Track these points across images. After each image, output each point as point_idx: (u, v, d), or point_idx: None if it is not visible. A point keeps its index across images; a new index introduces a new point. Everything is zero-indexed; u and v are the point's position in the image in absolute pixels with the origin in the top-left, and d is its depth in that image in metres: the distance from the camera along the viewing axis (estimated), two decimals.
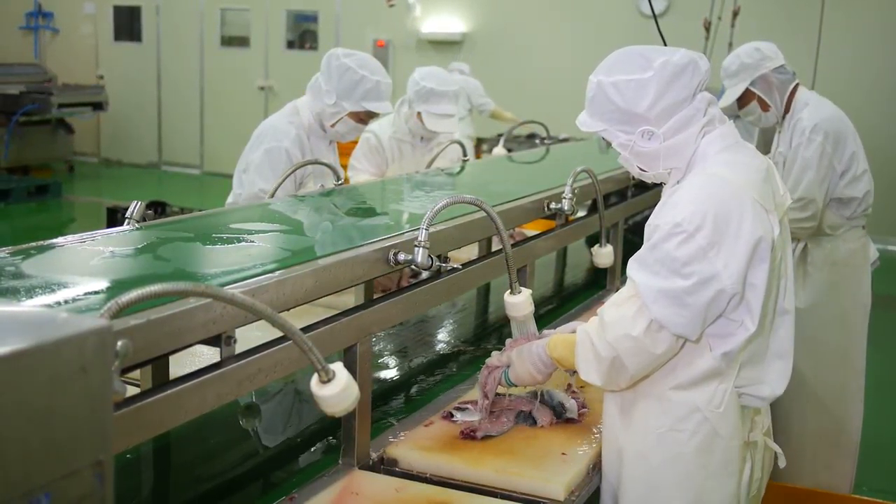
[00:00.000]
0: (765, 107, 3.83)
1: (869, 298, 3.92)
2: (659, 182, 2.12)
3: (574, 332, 2.14)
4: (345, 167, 3.38)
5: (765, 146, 4.33)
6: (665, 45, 2.16)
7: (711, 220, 1.87)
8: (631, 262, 1.99)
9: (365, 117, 3.43)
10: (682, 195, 1.95)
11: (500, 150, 5.10)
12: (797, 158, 3.75)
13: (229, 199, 3.46)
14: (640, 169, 2.07)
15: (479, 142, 8.60)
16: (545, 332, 2.36)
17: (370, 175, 4.17)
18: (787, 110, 3.84)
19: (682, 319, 1.89)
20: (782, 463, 2.24)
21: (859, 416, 3.97)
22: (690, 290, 1.87)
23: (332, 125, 3.38)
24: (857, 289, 3.88)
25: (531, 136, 8.20)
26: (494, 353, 2.34)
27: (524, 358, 2.23)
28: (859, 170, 3.77)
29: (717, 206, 1.89)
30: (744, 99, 3.85)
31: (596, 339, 2.00)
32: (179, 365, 1.89)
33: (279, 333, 1.52)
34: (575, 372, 2.15)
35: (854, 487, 4.08)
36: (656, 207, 2.05)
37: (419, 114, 4.14)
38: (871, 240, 3.97)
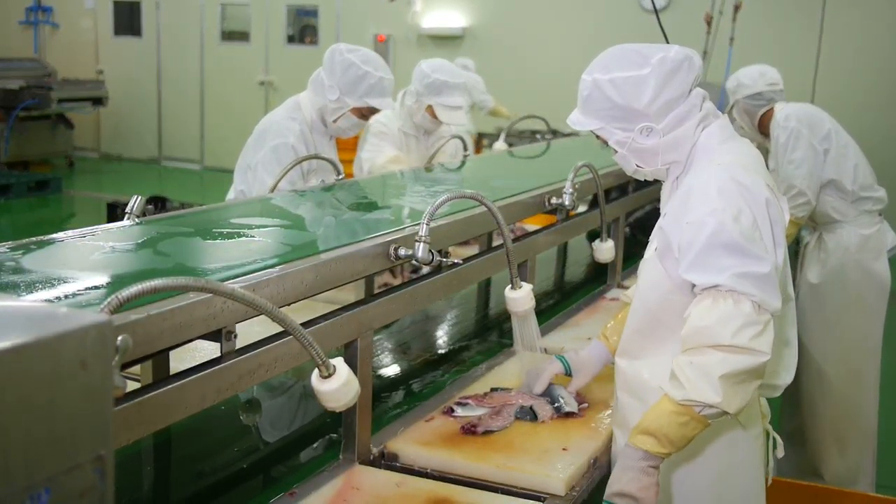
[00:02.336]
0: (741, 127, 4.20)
1: (887, 283, 4.02)
2: (654, 179, 2.11)
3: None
4: (343, 162, 3.38)
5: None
6: (667, 40, 2.16)
7: (744, 204, 1.85)
8: (688, 273, 1.86)
9: (367, 113, 3.43)
10: (706, 188, 1.90)
11: (500, 144, 5.10)
12: (777, 147, 3.99)
13: (230, 195, 3.46)
14: (637, 166, 2.05)
15: (480, 137, 8.58)
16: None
17: (393, 154, 4.11)
18: (765, 129, 4.15)
19: (774, 300, 1.81)
20: (780, 453, 2.24)
21: (875, 402, 4.08)
22: (762, 265, 1.80)
23: (335, 121, 3.38)
24: (872, 273, 3.98)
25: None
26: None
27: (625, 470, 1.86)
28: (840, 148, 3.93)
29: (742, 191, 1.87)
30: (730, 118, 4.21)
31: (701, 357, 1.78)
32: (180, 360, 1.89)
33: (280, 328, 1.52)
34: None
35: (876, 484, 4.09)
36: (668, 207, 2.01)
37: (429, 106, 4.11)
38: (889, 227, 4.09)
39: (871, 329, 4.01)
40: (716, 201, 1.86)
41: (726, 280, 1.80)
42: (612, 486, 1.84)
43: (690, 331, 1.81)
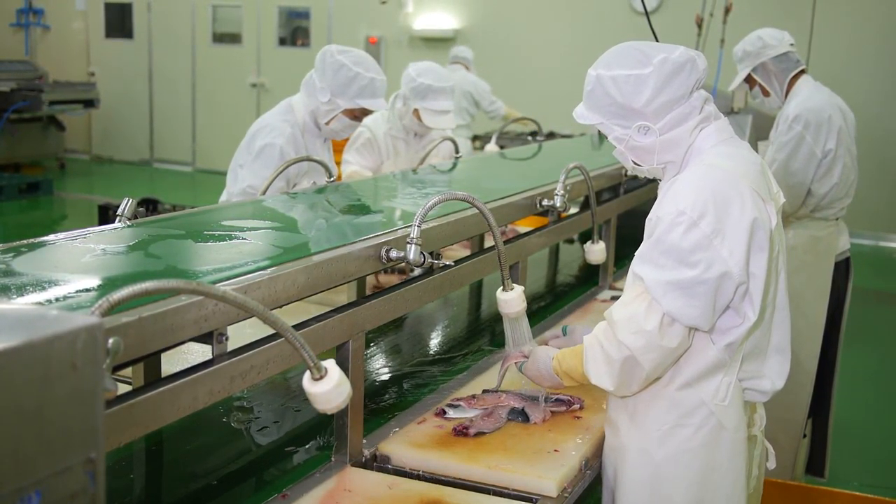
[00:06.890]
0: (765, 92, 4.04)
1: (828, 288, 3.97)
2: (652, 177, 2.13)
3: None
4: (337, 164, 3.38)
5: (756, 143, 4.39)
6: (657, 41, 2.17)
7: (713, 207, 1.89)
8: (635, 259, 2.00)
9: (360, 114, 3.42)
10: (681, 186, 1.97)
11: (492, 146, 5.10)
12: (775, 142, 3.93)
13: (223, 197, 3.45)
14: (635, 163, 2.09)
15: (475, 138, 8.56)
16: (551, 337, 2.38)
17: (361, 168, 4.15)
18: (787, 97, 4.00)
19: (693, 310, 1.89)
20: (772, 464, 2.25)
21: (804, 409, 4.01)
22: (698, 278, 1.88)
23: (327, 122, 3.38)
24: (816, 276, 3.94)
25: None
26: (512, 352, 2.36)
27: (535, 364, 2.25)
28: (831, 165, 3.86)
29: (717, 194, 1.91)
30: (750, 83, 4.11)
31: (605, 341, 1.98)
32: (171, 363, 1.89)
33: (271, 330, 1.52)
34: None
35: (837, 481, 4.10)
36: (656, 202, 2.06)
37: (416, 110, 4.12)
38: (844, 232, 4.04)
39: (810, 332, 3.93)
40: (683, 202, 1.91)
41: (651, 284, 1.92)
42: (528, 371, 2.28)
43: (611, 312, 2.00)
